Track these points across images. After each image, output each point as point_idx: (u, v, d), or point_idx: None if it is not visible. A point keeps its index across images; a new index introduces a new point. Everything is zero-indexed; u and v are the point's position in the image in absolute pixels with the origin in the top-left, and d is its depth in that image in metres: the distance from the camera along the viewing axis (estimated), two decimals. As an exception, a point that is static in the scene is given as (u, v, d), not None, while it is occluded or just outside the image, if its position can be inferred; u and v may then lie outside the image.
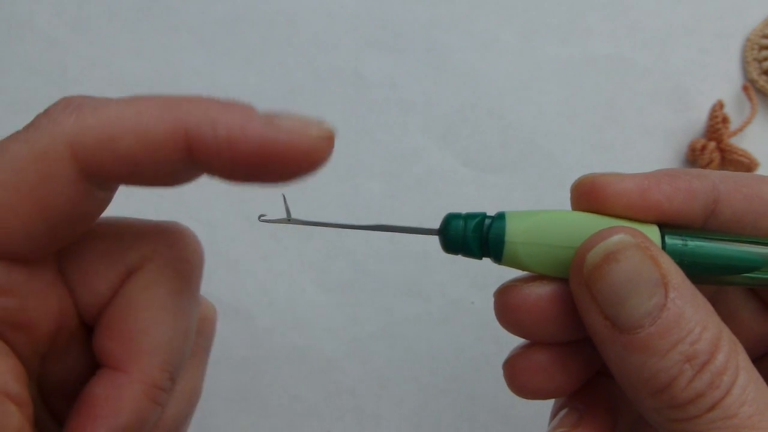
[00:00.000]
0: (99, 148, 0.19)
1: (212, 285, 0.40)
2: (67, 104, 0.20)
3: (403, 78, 0.42)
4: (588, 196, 0.23)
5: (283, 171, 0.20)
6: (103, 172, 0.20)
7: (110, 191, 0.21)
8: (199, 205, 0.40)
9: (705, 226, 0.24)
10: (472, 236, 0.23)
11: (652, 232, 0.23)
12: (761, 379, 0.21)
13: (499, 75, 0.42)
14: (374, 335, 0.39)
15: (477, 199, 0.40)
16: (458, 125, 0.41)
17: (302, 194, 0.41)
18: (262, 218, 0.25)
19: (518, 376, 0.24)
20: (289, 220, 0.24)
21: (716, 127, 0.40)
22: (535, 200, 0.40)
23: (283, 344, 0.39)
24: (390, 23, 0.43)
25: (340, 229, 0.40)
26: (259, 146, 0.20)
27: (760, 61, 0.41)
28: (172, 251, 0.23)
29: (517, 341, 0.25)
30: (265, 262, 0.40)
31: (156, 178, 0.21)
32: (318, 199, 0.40)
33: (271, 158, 0.20)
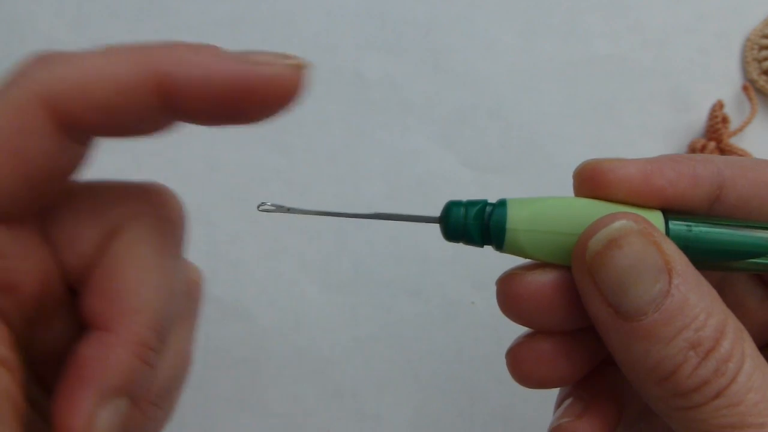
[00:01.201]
0: (72, 97, 0.19)
1: (212, 285, 0.40)
2: (39, 57, 0.20)
3: (403, 78, 0.42)
4: (590, 182, 0.23)
5: (261, 104, 0.20)
6: (77, 122, 0.20)
7: (86, 144, 0.21)
8: (199, 205, 0.40)
9: (710, 211, 0.23)
10: (473, 224, 0.23)
11: (656, 218, 0.22)
12: (767, 367, 0.21)
13: (499, 75, 0.42)
14: (374, 335, 0.39)
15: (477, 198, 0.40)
16: (458, 125, 0.41)
17: (302, 194, 0.41)
18: (261, 207, 0.24)
19: (521, 366, 0.24)
20: (288, 209, 0.24)
21: (716, 127, 0.40)
22: (535, 200, 0.40)
23: (283, 344, 0.39)
24: (390, 23, 0.43)
25: (341, 229, 0.40)
26: (235, 80, 0.19)
27: (760, 61, 0.41)
28: (154, 210, 0.23)
29: (519, 334, 0.25)
30: (266, 262, 0.40)
31: (131, 127, 0.20)
32: (318, 199, 0.40)
33: (248, 91, 0.20)
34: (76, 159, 0.21)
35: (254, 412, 0.38)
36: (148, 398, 0.24)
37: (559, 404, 0.26)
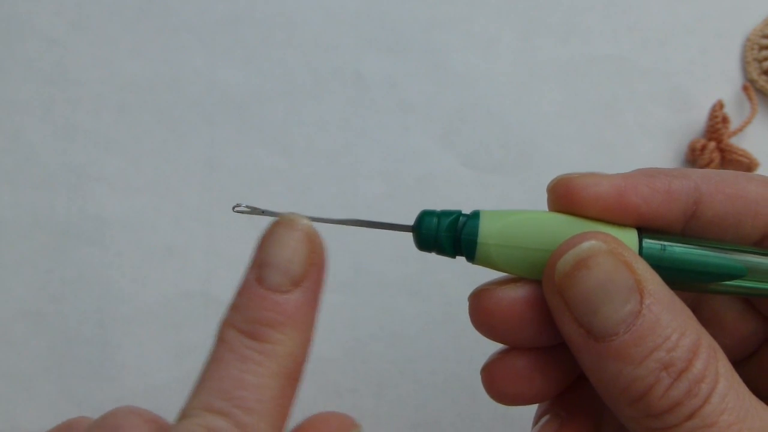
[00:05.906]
0: None
1: (212, 285, 0.40)
2: None
3: (403, 78, 0.42)
4: (564, 199, 0.23)
5: None
6: None
7: None
8: (199, 205, 0.40)
9: (686, 227, 0.23)
10: (445, 235, 0.23)
11: (630, 237, 0.22)
12: (743, 385, 0.21)
13: (499, 75, 0.42)
14: (374, 335, 0.39)
15: (477, 199, 0.40)
16: (458, 125, 0.41)
17: (303, 194, 0.41)
18: (236, 209, 0.25)
19: (496, 383, 0.24)
20: (263, 211, 0.25)
21: (716, 127, 0.40)
22: (534, 201, 0.40)
23: (283, 344, 0.39)
24: (390, 23, 0.43)
25: (341, 229, 0.40)
26: None
27: (760, 61, 0.41)
28: None
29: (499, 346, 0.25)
30: (265, 262, 0.40)
31: None
32: (318, 199, 0.40)
33: None
34: None
35: (254, 412, 0.38)
36: None
37: (536, 421, 0.25)
